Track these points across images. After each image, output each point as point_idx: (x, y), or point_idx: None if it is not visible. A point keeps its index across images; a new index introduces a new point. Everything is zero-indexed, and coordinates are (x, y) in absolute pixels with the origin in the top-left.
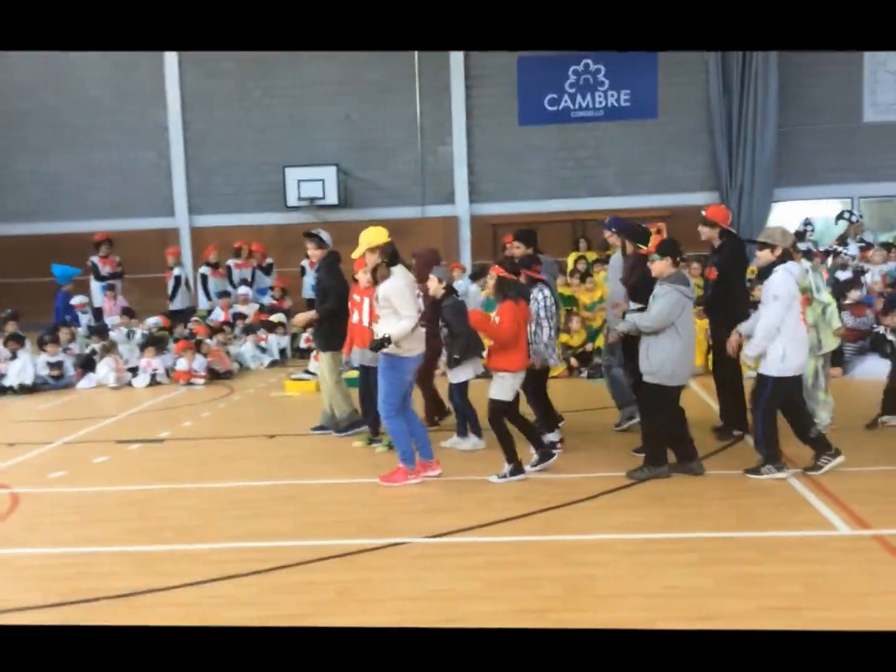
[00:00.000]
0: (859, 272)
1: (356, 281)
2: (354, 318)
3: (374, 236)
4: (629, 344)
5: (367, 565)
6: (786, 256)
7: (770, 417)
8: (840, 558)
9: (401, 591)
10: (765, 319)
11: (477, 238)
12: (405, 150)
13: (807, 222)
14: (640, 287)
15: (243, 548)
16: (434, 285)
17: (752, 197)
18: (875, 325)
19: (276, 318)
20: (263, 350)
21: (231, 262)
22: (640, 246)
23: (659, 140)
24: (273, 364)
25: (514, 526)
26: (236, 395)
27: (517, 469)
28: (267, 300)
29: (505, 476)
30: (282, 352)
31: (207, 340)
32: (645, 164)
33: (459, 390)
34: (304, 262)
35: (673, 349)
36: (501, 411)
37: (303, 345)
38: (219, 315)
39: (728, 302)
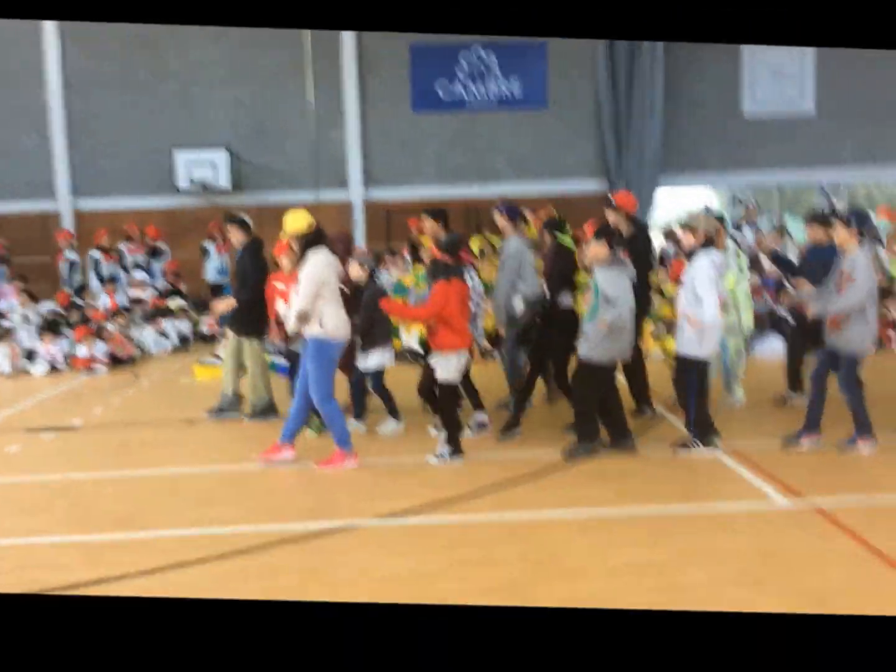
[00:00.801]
0: (755, 257)
1: (278, 266)
2: (281, 307)
3: (291, 223)
4: (526, 332)
5: (327, 549)
6: (708, 242)
7: (702, 399)
8: (786, 529)
9: (368, 572)
10: (709, 304)
11: (371, 223)
12: (298, 135)
13: (707, 209)
14: (557, 279)
15: (193, 535)
16: (356, 271)
17: (639, 185)
18: (774, 306)
19: (174, 304)
20: (166, 336)
21: (123, 246)
22: (557, 236)
23: (549, 129)
24: (175, 349)
25: (464, 506)
26: (143, 380)
27: (457, 450)
28: (161, 284)
29: (443, 456)
30: (184, 338)
31: (109, 326)
32: (536, 153)
33: (375, 377)
34: (209, 245)
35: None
36: (453, 393)
37: (205, 330)
38: (105, 301)
39: (637, 285)
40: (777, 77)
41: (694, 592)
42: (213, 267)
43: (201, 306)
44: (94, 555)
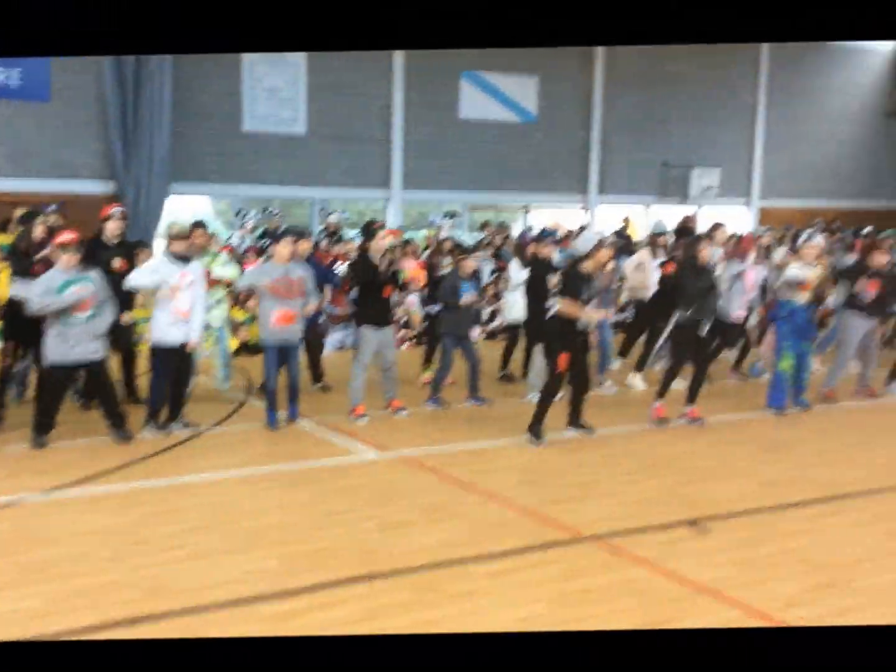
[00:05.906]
0: None
1: None
2: None
3: None
4: None
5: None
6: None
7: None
8: (385, 471)
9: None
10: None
11: None
12: None
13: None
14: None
15: None
16: None
17: (149, 190)
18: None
19: None
20: None
21: None
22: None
23: (52, 124)
24: None
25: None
26: None
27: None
28: None
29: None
30: None
31: None
32: (38, 148)
33: None
34: None
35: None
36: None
37: None
38: None
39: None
40: (274, 98)
41: (343, 518)
42: None
43: None
44: None
